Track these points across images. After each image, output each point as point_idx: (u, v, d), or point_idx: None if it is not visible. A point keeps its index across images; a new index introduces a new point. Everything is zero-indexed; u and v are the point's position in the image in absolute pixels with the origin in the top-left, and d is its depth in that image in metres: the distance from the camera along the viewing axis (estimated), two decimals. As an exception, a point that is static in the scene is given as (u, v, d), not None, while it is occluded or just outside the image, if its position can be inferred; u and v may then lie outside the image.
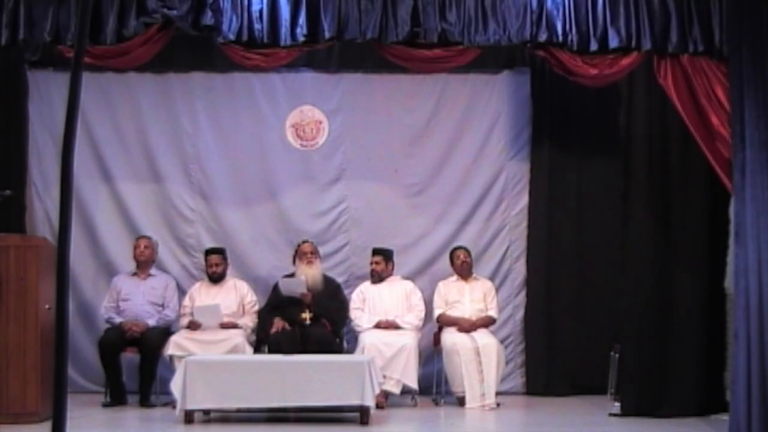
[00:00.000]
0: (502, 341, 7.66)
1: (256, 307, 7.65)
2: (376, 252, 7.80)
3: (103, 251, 8.06)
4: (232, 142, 8.23)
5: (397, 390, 7.11)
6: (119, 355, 7.24)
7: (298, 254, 7.65)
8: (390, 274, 7.79)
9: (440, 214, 8.23)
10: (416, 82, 8.15)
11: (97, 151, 8.09)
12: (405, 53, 6.56)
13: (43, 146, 8.02)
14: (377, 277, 7.73)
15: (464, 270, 7.72)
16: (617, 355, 7.04)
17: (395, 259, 7.84)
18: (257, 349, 7.37)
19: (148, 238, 7.75)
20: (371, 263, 7.76)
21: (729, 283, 6.54)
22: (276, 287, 7.55)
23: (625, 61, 6.38)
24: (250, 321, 7.56)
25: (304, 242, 7.70)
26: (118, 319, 7.37)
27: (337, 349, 7.28)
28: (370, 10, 6.24)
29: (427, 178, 8.24)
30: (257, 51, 6.49)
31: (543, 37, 6.24)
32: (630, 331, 6.85)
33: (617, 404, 6.78)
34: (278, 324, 7.29)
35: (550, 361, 8.03)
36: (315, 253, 7.65)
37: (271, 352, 7.08)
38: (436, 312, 7.63)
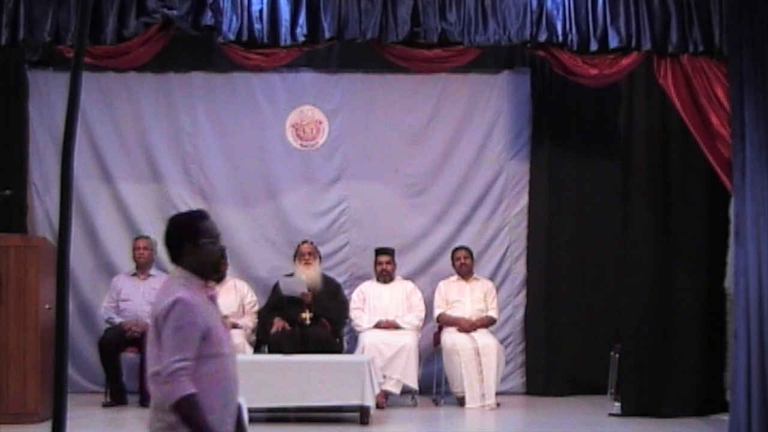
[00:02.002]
0: (502, 341, 7.66)
1: (256, 307, 7.64)
2: (383, 252, 7.76)
3: (103, 251, 8.05)
4: (232, 142, 8.22)
5: (397, 390, 7.11)
6: (119, 355, 7.25)
7: (297, 255, 7.65)
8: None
9: (440, 214, 8.22)
10: (416, 82, 8.14)
11: (97, 151, 8.08)
12: (405, 53, 6.56)
13: (43, 146, 8.02)
14: (388, 277, 7.71)
15: (465, 270, 7.72)
16: (617, 355, 7.03)
17: (395, 259, 7.84)
18: (257, 349, 7.36)
19: (147, 237, 7.73)
20: (381, 263, 7.72)
21: (729, 283, 6.55)
22: (276, 287, 7.55)
23: (625, 61, 6.38)
24: (250, 321, 7.55)
25: (303, 243, 7.69)
26: (118, 319, 7.37)
27: (337, 349, 7.27)
28: (370, 10, 6.24)
29: (427, 178, 8.23)
30: (257, 51, 6.49)
31: (543, 37, 6.24)
32: (630, 331, 6.85)
33: (617, 404, 6.78)
34: (278, 324, 7.28)
35: (550, 361, 8.02)
36: (313, 254, 7.62)
37: (271, 352, 7.08)
38: (437, 311, 7.63)
